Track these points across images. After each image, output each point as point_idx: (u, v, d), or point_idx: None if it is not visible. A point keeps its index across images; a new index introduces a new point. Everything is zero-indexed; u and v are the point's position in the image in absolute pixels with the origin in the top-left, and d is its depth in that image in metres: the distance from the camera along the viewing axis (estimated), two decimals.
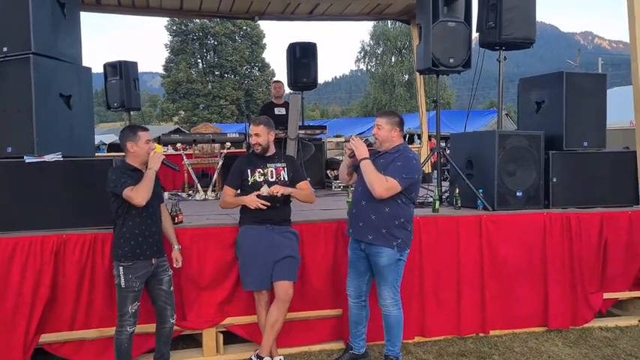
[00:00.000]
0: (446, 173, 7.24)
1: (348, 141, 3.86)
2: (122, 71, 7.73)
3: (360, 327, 3.96)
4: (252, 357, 3.86)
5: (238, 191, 3.94)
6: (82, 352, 3.92)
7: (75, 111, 4.23)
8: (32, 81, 3.84)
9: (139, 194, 3.33)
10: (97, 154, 5.78)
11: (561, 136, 4.95)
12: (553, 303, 4.62)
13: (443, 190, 5.46)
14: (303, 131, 7.30)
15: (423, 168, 7.31)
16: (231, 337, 4.25)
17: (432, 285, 4.45)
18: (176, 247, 3.84)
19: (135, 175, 3.45)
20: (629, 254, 4.84)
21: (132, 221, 3.45)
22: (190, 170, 7.01)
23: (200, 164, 7.52)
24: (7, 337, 3.70)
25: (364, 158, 3.67)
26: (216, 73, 39.86)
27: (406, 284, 4.28)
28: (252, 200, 3.76)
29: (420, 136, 11.40)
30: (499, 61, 5.28)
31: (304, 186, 3.97)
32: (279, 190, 3.74)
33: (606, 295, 4.85)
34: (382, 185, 3.55)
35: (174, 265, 3.80)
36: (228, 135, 7.08)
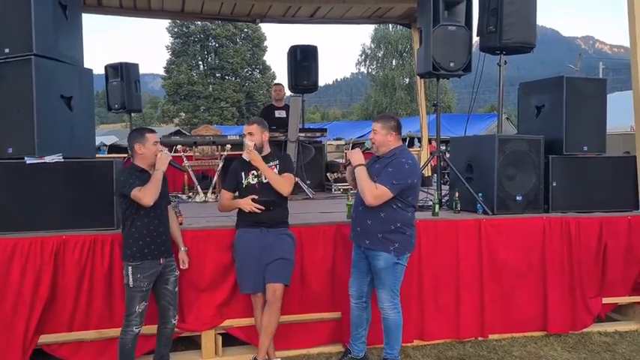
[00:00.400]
0: (446, 177, 7.24)
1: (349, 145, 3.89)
2: (123, 73, 7.74)
3: (360, 329, 3.96)
4: None
5: (236, 194, 3.95)
6: (80, 353, 3.91)
7: (76, 112, 4.24)
8: (33, 82, 3.85)
9: (146, 194, 3.38)
10: (97, 156, 5.79)
11: (561, 140, 4.95)
12: (552, 307, 4.62)
13: (442, 194, 5.46)
14: (303, 134, 7.31)
15: (423, 171, 7.34)
16: (230, 340, 4.25)
17: (432, 288, 4.45)
18: (182, 248, 3.87)
19: (143, 176, 3.51)
20: (629, 259, 4.83)
21: (140, 222, 3.50)
22: (190, 172, 7.02)
23: (200, 166, 7.53)
24: (6, 337, 3.70)
25: (358, 165, 3.71)
26: (217, 75, 39.92)
27: (405, 287, 4.27)
28: (246, 204, 3.78)
29: (420, 140, 11.40)
30: (499, 66, 5.29)
31: (286, 176, 3.90)
32: (251, 205, 3.77)
33: (605, 300, 4.84)
34: (372, 193, 3.57)
35: (181, 266, 3.83)
36: (229, 137, 7.09)
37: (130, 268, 3.49)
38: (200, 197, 6.69)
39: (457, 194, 4.94)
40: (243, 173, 3.91)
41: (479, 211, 4.80)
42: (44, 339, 3.84)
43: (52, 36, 4.09)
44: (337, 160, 8.53)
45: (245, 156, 3.84)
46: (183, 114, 39.27)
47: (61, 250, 3.82)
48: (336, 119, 48.49)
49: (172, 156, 3.72)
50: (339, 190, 7.54)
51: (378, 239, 3.65)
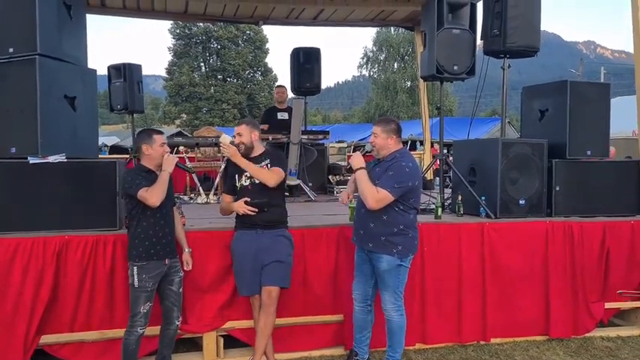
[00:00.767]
0: (447, 180, 7.24)
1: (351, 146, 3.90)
2: (126, 74, 7.72)
3: (365, 332, 3.97)
4: None
5: (236, 196, 3.95)
6: (81, 354, 3.91)
7: (79, 112, 4.24)
8: (37, 82, 3.85)
9: (153, 195, 3.40)
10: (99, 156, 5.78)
11: (564, 144, 4.94)
12: (554, 312, 4.61)
13: (445, 197, 5.46)
14: (305, 136, 7.31)
15: (425, 175, 7.33)
16: (231, 341, 4.24)
17: (434, 292, 4.44)
18: (187, 249, 3.87)
19: (149, 177, 3.53)
20: (631, 264, 4.82)
21: (146, 222, 3.52)
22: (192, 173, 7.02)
23: (202, 167, 7.53)
24: (8, 337, 3.70)
25: (359, 168, 3.72)
26: (219, 76, 39.96)
27: (408, 291, 4.26)
28: (239, 206, 3.78)
29: (422, 143, 11.40)
30: (503, 69, 5.29)
31: (273, 170, 3.83)
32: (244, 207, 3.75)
33: (608, 305, 4.83)
34: (373, 197, 3.57)
35: (185, 268, 3.83)
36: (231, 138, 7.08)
37: (135, 268, 3.50)
38: (202, 198, 6.69)
39: (460, 198, 4.93)
40: (237, 175, 3.91)
41: (482, 215, 4.79)
42: (46, 339, 3.83)
43: (56, 36, 4.10)
44: (339, 163, 8.52)
45: (224, 152, 3.81)
46: (184, 115, 39.30)
47: (64, 251, 3.82)
48: (338, 122, 48.55)
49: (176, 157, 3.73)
50: (341, 192, 7.53)
51: (381, 242, 3.65)
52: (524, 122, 5.59)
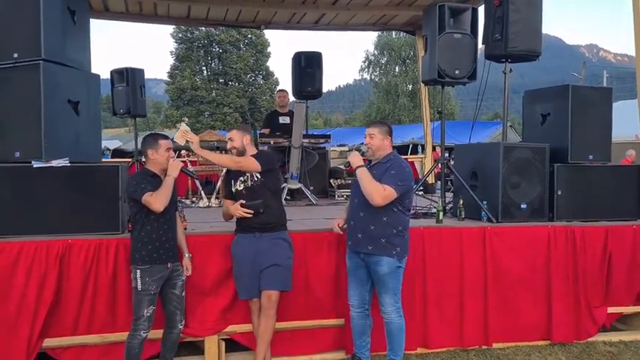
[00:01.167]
0: (449, 184, 7.24)
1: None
2: (129, 78, 7.76)
3: (364, 337, 3.97)
4: None
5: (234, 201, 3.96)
6: (84, 357, 3.92)
7: (82, 117, 4.26)
8: (41, 87, 3.87)
9: (157, 200, 3.43)
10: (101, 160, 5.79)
11: (566, 148, 4.94)
12: (557, 316, 4.60)
13: (447, 201, 5.46)
14: (307, 140, 7.33)
15: (427, 179, 7.34)
16: (233, 345, 4.24)
17: (435, 296, 4.44)
18: (187, 255, 3.87)
19: (154, 182, 3.55)
20: (634, 268, 4.82)
21: (150, 226, 3.54)
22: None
23: (204, 171, 7.54)
24: (11, 340, 3.71)
25: (359, 166, 3.72)
26: (221, 80, 39.99)
27: (409, 295, 4.28)
28: (235, 209, 3.81)
29: (423, 147, 11.41)
30: (505, 73, 5.30)
31: (247, 158, 3.85)
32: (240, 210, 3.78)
33: (610, 310, 4.83)
34: (380, 193, 3.58)
35: (185, 273, 3.83)
36: None
37: (138, 271, 3.52)
38: (204, 202, 6.71)
39: (461, 202, 4.94)
40: (232, 180, 3.94)
41: (483, 219, 4.79)
42: (48, 343, 3.85)
43: (60, 41, 4.12)
44: (341, 167, 8.53)
45: (180, 141, 3.78)
46: (186, 119, 39.32)
47: (66, 254, 3.83)
48: (339, 125, 48.51)
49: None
50: (343, 196, 7.54)
51: (382, 244, 3.66)
52: (525, 126, 5.60)
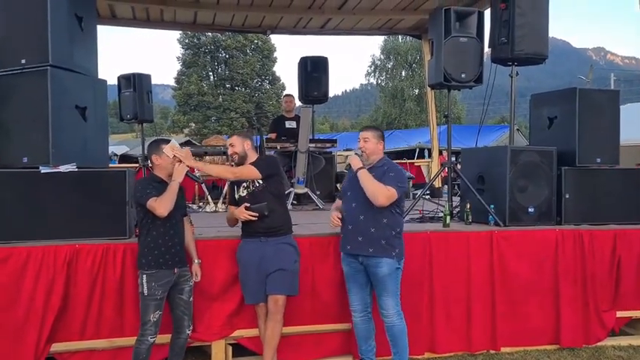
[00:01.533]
0: (456, 188, 7.22)
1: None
2: (136, 83, 7.79)
3: (370, 341, 3.97)
4: None
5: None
6: None
7: (89, 122, 4.28)
8: (49, 93, 3.90)
9: (161, 205, 3.44)
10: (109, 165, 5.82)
11: (574, 152, 4.92)
12: (565, 321, 4.57)
13: (454, 205, 5.44)
14: (313, 145, 7.33)
15: (434, 183, 7.31)
16: (240, 350, 4.24)
17: (442, 300, 4.42)
18: (196, 260, 3.87)
19: (160, 187, 3.56)
20: None
21: (156, 231, 3.55)
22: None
23: (211, 176, 7.54)
24: (19, 345, 3.73)
25: (360, 168, 3.74)
26: (227, 85, 40.14)
27: (416, 299, 4.27)
28: (239, 212, 3.81)
29: (430, 151, 11.39)
30: (511, 77, 5.28)
31: (246, 166, 3.85)
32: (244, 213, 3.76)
33: (619, 314, 4.79)
34: (384, 194, 3.62)
35: (194, 279, 3.83)
36: None
37: (144, 276, 3.53)
38: (210, 207, 6.72)
39: (468, 206, 4.92)
40: (236, 187, 3.96)
41: (490, 223, 4.77)
42: (56, 347, 3.86)
43: (67, 47, 4.15)
44: (346, 171, 8.52)
45: (168, 153, 3.67)
46: (193, 124, 39.46)
47: (74, 259, 3.85)
48: (345, 130, 48.55)
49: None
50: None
51: (382, 245, 3.69)
52: (532, 130, 5.58)
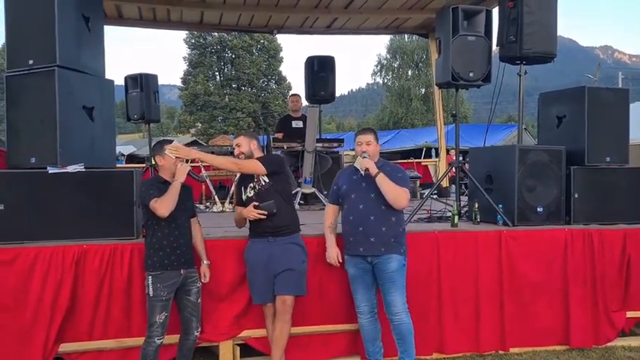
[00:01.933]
0: (463, 188, 7.18)
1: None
2: (142, 84, 7.80)
3: (377, 342, 3.97)
4: None
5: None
6: None
7: (97, 123, 4.30)
8: (56, 93, 3.91)
9: (162, 205, 3.44)
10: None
11: (583, 151, 4.89)
12: (575, 321, 4.53)
13: (462, 205, 5.41)
14: (320, 144, 7.31)
15: (441, 182, 7.27)
16: (248, 350, 4.23)
17: (451, 300, 4.40)
18: (205, 262, 3.87)
19: (164, 188, 3.57)
20: None
21: (161, 232, 3.56)
22: (208, 182, 7.05)
23: (218, 176, 7.56)
24: (27, 345, 3.74)
25: (378, 173, 3.75)
26: (234, 85, 40.19)
27: (424, 299, 4.26)
28: (248, 212, 3.80)
29: (437, 150, 11.34)
30: (520, 76, 5.24)
31: (251, 160, 3.87)
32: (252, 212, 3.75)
33: (629, 314, 4.74)
34: (405, 197, 3.75)
35: (202, 280, 3.83)
36: None
37: (150, 277, 3.54)
38: (217, 207, 6.72)
39: (477, 205, 4.89)
40: (242, 188, 3.95)
41: (499, 223, 4.74)
42: (64, 348, 3.87)
43: (74, 48, 4.16)
44: None
45: (170, 153, 3.65)
46: (199, 124, 39.55)
47: (82, 260, 3.86)
48: (352, 129, 48.50)
49: (190, 166, 3.76)
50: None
51: (391, 243, 3.76)
52: (541, 129, 5.54)
